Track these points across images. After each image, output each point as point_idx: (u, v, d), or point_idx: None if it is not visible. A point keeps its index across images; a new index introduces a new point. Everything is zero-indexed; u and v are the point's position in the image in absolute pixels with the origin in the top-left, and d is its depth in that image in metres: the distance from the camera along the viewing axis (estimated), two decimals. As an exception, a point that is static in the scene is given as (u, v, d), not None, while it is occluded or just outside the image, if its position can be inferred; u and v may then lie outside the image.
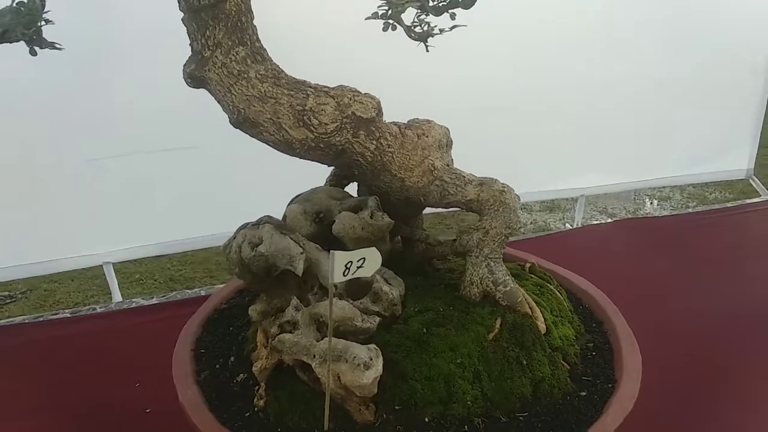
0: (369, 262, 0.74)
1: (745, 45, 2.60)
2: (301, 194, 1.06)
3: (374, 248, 0.74)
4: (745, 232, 2.03)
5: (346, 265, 0.72)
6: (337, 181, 1.13)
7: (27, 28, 0.82)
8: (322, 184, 1.13)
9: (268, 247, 0.86)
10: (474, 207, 0.99)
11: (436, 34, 0.87)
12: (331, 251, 0.72)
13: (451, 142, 1.07)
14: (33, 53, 0.85)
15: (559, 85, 2.34)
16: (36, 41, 0.83)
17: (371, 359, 0.78)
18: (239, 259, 0.87)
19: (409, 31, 0.88)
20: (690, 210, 2.30)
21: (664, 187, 4.98)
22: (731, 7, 2.52)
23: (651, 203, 4.99)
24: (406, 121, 1.06)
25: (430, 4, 0.83)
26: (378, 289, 0.90)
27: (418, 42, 0.89)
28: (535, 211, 5.00)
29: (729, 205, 2.27)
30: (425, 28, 0.88)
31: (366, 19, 0.87)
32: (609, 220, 2.18)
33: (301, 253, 0.87)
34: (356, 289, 0.92)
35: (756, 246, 1.93)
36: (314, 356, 0.80)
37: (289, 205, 1.04)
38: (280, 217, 1.01)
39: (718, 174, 2.93)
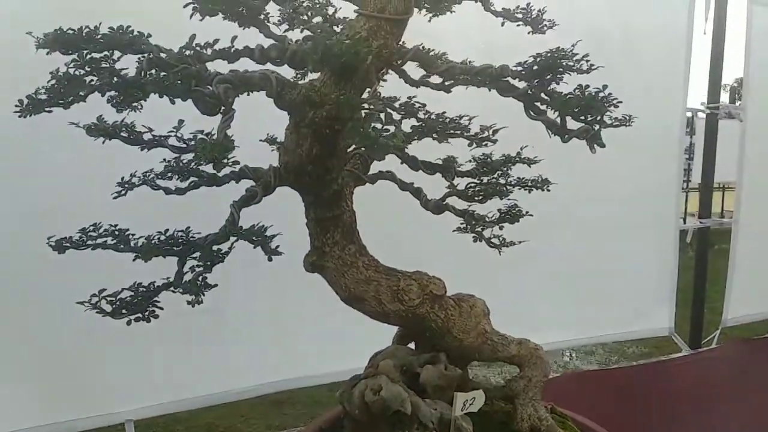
0: (477, 400, 1.05)
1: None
2: (381, 351, 1.37)
3: (480, 390, 1.06)
4: (686, 381, 2.45)
5: (464, 402, 1.03)
6: (401, 340, 1.45)
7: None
8: (390, 345, 1.44)
9: (385, 393, 1.15)
10: (515, 361, 1.33)
11: (511, 244, 1.29)
12: (455, 392, 1.03)
13: (489, 310, 1.43)
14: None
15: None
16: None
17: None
18: (362, 402, 1.15)
19: (488, 242, 1.30)
20: (633, 363, 2.73)
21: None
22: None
23: (574, 357, 5.44)
24: (452, 295, 1.42)
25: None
26: (460, 425, 1.20)
27: (496, 249, 1.30)
28: (473, 366, 5.29)
29: (663, 358, 2.72)
30: (502, 240, 1.29)
31: (453, 231, 1.27)
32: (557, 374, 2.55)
33: (408, 397, 1.16)
34: (442, 426, 1.20)
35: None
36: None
37: (372, 358, 1.34)
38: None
39: (643, 332, 3.41)
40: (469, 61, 1.40)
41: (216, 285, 0.99)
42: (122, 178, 1.17)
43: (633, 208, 2.95)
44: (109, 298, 1.01)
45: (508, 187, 1.41)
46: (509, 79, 1.12)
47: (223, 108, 1.00)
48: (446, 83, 1.27)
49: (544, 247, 2.38)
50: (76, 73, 0.99)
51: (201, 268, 0.99)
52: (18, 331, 2.00)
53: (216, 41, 0.95)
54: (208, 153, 0.83)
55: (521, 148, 1.44)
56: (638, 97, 2.75)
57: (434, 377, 1.25)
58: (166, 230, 1.04)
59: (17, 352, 2.02)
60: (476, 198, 1.38)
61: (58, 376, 2.09)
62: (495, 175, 1.44)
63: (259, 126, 1.37)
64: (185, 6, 0.96)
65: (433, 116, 1.37)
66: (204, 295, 0.97)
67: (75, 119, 1.03)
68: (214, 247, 1.03)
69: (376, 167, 1.43)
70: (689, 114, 3.30)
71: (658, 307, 3.25)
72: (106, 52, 1.00)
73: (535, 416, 1.27)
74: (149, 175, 1.17)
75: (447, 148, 1.37)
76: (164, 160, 1.16)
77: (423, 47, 1.34)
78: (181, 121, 1.02)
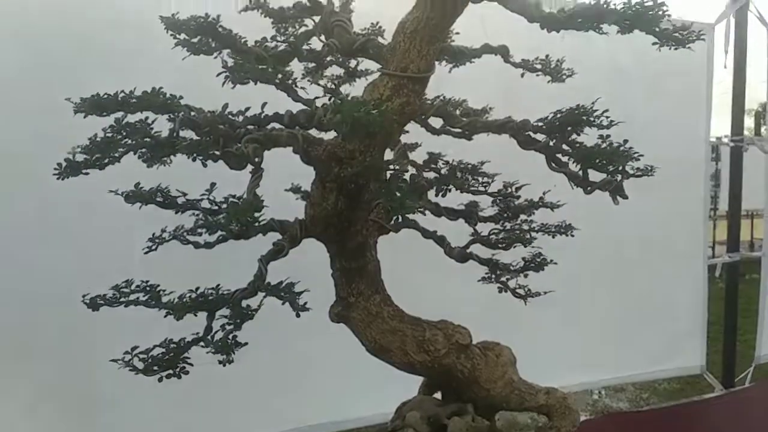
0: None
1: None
2: (407, 402, 1.36)
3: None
4: (721, 423, 2.38)
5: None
6: (427, 390, 1.45)
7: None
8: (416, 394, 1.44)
9: (415, 446, 1.15)
10: (544, 410, 1.32)
11: (536, 295, 1.29)
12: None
13: (515, 358, 1.42)
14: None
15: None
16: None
17: None
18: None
19: (514, 293, 1.30)
20: (666, 404, 2.66)
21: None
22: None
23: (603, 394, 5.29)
24: (477, 343, 1.41)
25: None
26: (489, 478, 1.18)
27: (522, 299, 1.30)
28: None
29: (697, 398, 2.65)
30: (527, 291, 1.29)
31: (478, 281, 1.28)
32: (589, 417, 2.49)
33: (436, 450, 1.15)
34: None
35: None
36: None
37: (398, 409, 1.34)
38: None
39: (675, 370, 3.33)
40: (490, 108, 1.43)
41: (246, 344, 1.00)
42: (153, 234, 1.21)
43: (660, 244, 2.92)
44: (141, 356, 1.03)
45: (532, 233, 1.42)
46: (530, 133, 1.14)
47: (251, 167, 1.04)
48: (467, 132, 1.30)
49: (569, 287, 2.35)
50: (113, 136, 1.03)
51: (231, 326, 1.00)
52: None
53: (247, 109, 0.99)
54: (241, 215, 0.85)
55: (544, 193, 1.45)
56: (662, 133, 2.77)
57: (462, 429, 1.24)
58: (197, 288, 1.05)
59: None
60: (500, 245, 1.39)
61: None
62: (518, 221, 1.45)
63: (283, 174, 1.40)
64: (218, 75, 0.99)
65: (455, 166, 1.40)
66: (234, 353, 0.98)
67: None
68: (243, 303, 1.05)
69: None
70: (714, 139, 3.27)
71: (690, 344, 3.18)
72: (139, 115, 1.05)
73: (565, 468, 1.25)
74: (180, 231, 1.21)
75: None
76: (194, 213, 1.20)
77: (444, 98, 1.38)
78: (213, 184, 1.05)
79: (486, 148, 1.43)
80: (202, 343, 1.07)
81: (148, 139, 1.03)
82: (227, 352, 0.97)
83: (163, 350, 1.04)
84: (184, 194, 1.09)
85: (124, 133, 1.03)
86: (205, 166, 0.97)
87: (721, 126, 3.38)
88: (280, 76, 1.07)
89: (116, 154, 1.04)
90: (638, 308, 2.94)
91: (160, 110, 1.06)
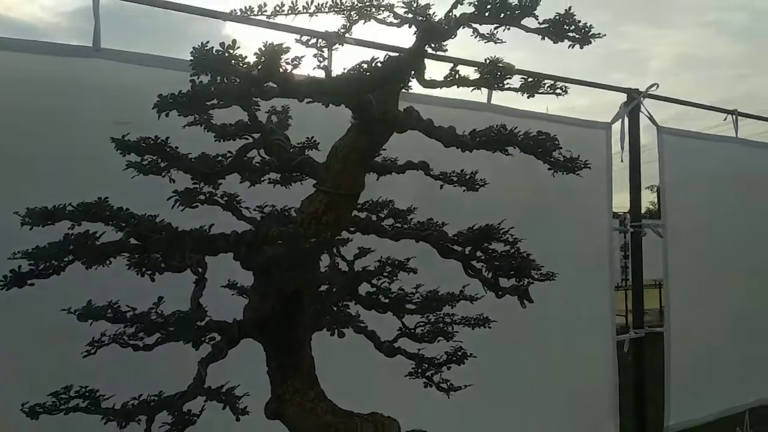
0: None
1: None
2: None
3: None
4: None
5: None
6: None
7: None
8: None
9: None
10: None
11: (458, 389, 1.40)
12: None
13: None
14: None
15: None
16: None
17: None
18: None
19: (438, 386, 1.41)
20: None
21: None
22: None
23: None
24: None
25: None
26: None
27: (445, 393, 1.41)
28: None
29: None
30: (450, 385, 1.41)
31: (405, 376, 1.39)
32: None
33: None
34: None
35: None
36: None
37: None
38: None
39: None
40: (414, 208, 1.59)
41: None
42: (93, 338, 1.25)
43: (572, 326, 3.14)
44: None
45: (454, 326, 1.55)
46: (448, 244, 1.29)
47: (195, 277, 1.13)
48: (395, 237, 1.44)
49: (491, 376, 2.48)
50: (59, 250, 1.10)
51: (173, 429, 1.05)
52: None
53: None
54: (189, 332, 0.94)
55: (463, 287, 1.59)
56: (569, 222, 3.06)
57: None
58: (140, 395, 1.10)
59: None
60: (425, 339, 1.51)
61: None
62: (441, 313, 1.58)
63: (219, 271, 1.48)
64: (168, 199, 1.09)
65: (384, 262, 1.53)
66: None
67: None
68: (185, 408, 1.10)
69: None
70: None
71: (605, 422, 3.36)
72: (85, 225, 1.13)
73: None
74: (120, 334, 1.25)
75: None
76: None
77: (372, 201, 1.53)
78: (160, 298, 1.13)
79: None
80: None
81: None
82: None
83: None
84: (134, 309, 1.15)
85: (71, 247, 1.10)
86: (153, 280, 1.05)
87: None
88: (226, 199, 1.18)
89: (62, 265, 1.10)
90: (555, 392, 3.11)
91: (108, 221, 1.14)
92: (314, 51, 1.26)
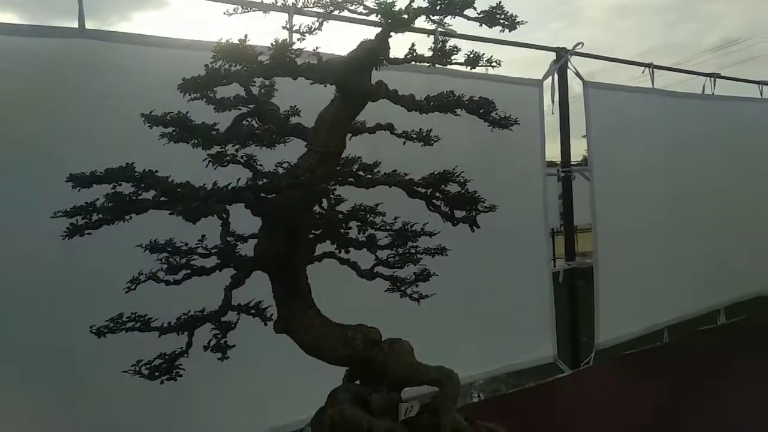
0: (414, 408, 1.51)
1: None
2: (337, 388, 1.79)
3: (417, 401, 1.52)
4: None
5: (405, 410, 1.49)
6: (350, 378, 1.88)
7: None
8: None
9: (348, 414, 1.58)
10: (436, 383, 1.81)
11: (425, 297, 1.79)
12: (399, 403, 1.49)
13: (413, 348, 1.91)
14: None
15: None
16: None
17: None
18: (331, 423, 1.58)
19: (411, 297, 1.79)
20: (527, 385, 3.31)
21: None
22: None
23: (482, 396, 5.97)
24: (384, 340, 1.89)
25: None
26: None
27: (416, 302, 1.79)
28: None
29: (551, 378, 3.31)
30: (420, 295, 1.79)
31: (384, 291, 1.76)
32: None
33: (365, 415, 1.60)
34: (389, 435, 1.65)
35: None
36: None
37: (331, 394, 1.77)
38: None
39: (533, 361, 3.99)
40: (378, 162, 1.94)
41: (235, 345, 1.40)
42: (132, 277, 1.56)
43: (515, 259, 3.61)
44: (145, 366, 1.39)
45: (418, 255, 1.93)
46: (414, 187, 1.65)
47: (221, 222, 1.45)
48: (370, 186, 1.79)
49: (450, 298, 2.91)
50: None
51: (219, 334, 1.39)
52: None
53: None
54: (233, 259, 1.27)
55: (424, 224, 1.97)
56: (509, 168, 3.49)
57: (380, 401, 1.70)
58: (188, 311, 1.43)
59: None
60: (396, 265, 1.88)
61: None
62: (407, 246, 1.96)
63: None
64: (203, 160, 1.40)
65: (357, 207, 1.88)
66: (228, 352, 1.38)
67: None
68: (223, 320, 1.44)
69: (320, 248, 1.90)
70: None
71: (543, 339, 3.88)
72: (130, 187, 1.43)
73: (455, 422, 1.75)
74: (153, 272, 1.56)
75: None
76: (159, 259, 1.57)
77: (347, 157, 1.87)
78: (203, 236, 1.45)
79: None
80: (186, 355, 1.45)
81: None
82: (223, 351, 1.36)
83: (162, 360, 1.40)
84: (186, 244, 1.46)
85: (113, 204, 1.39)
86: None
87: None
88: (245, 158, 1.49)
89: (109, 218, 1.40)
90: (502, 313, 3.58)
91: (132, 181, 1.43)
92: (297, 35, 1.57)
